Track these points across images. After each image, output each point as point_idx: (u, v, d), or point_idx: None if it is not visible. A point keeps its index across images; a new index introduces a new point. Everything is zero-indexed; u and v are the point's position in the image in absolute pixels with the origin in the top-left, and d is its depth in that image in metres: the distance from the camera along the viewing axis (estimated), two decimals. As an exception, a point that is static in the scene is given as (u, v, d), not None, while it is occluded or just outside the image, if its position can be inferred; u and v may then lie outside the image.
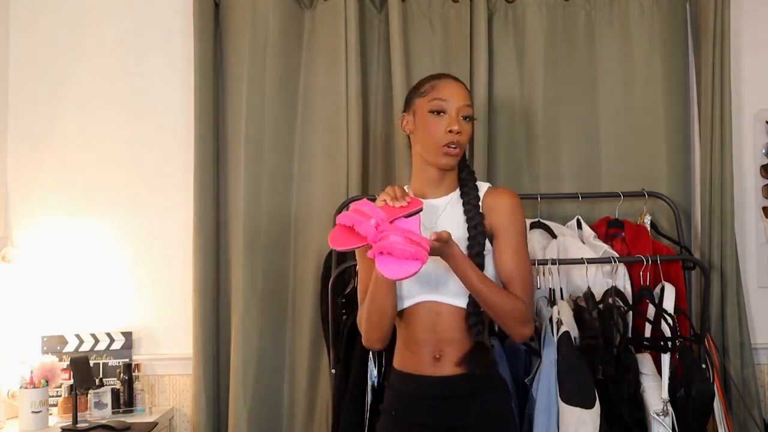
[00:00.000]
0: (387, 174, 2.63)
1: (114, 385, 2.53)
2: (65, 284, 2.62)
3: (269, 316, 2.57)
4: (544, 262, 2.24)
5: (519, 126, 2.63)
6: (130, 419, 2.42)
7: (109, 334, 2.59)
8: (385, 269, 1.53)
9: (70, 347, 2.57)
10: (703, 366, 2.22)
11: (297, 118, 2.63)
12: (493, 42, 2.62)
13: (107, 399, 2.48)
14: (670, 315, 2.17)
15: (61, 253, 2.63)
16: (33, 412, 2.34)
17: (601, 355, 2.11)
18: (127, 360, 2.57)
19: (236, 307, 2.53)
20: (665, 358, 2.15)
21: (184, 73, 2.63)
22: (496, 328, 2.09)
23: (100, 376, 2.54)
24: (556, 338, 2.08)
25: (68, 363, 2.50)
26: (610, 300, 2.17)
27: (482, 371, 1.72)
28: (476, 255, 1.70)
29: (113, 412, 2.48)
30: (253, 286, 2.54)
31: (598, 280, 2.32)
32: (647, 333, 2.25)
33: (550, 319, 2.13)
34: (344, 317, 2.30)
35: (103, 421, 2.38)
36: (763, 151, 2.73)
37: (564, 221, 2.53)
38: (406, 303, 1.76)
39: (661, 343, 2.16)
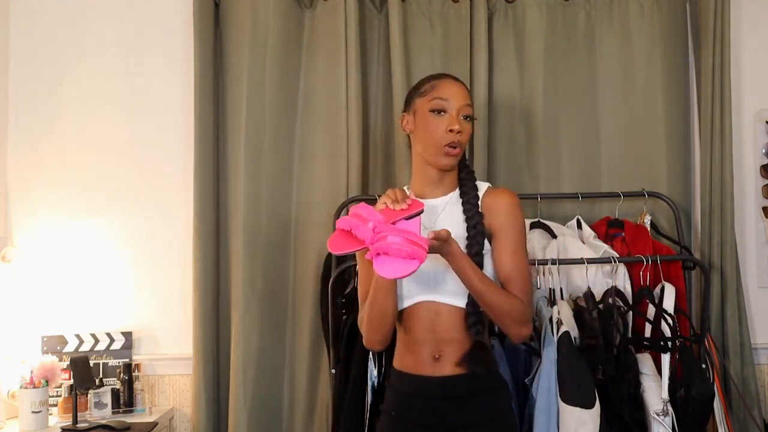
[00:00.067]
0: (387, 174, 2.63)
1: (114, 385, 2.53)
2: (65, 284, 2.62)
3: (269, 316, 2.56)
4: (544, 262, 2.24)
5: (519, 126, 2.63)
6: (130, 419, 2.42)
7: (109, 334, 2.60)
8: (382, 269, 1.53)
9: (70, 347, 2.57)
10: (703, 366, 2.22)
11: (297, 118, 2.63)
12: (493, 42, 2.62)
13: (107, 399, 2.48)
14: (670, 315, 2.17)
15: (61, 253, 2.63)
16: (33, 412, 2.34)
17: (601, 355, 2.11)
18: (127, 360, 2.57)
19: (236, 307, 2.53)
20: (665, 358, 2.15)
21: (184, 73, 2.63)
22: (496, 328, 2.09)
23: (100, 376, 2.54)
24: (556, 338, 2.08)
25: (68, 363, 2.49)
26: (610, 300, 2.17)
27: (482, 371, 1.72)
28: (475, 254, 1.70)
29: (113, 412, 2.47)
30: (253, 286, 2.54)
31: (598, 280, 2.32)
32: (647, 333, 2.25)
33: (550, 319, 2.13)
34: (344, 317, 2.30)
35: (103, 421, 2.37)
36: (763, 151, 2.73)
37: (564, 221, 2.53)
38: (406, 303, 1.76)
39: (661, 343, 2.16)
